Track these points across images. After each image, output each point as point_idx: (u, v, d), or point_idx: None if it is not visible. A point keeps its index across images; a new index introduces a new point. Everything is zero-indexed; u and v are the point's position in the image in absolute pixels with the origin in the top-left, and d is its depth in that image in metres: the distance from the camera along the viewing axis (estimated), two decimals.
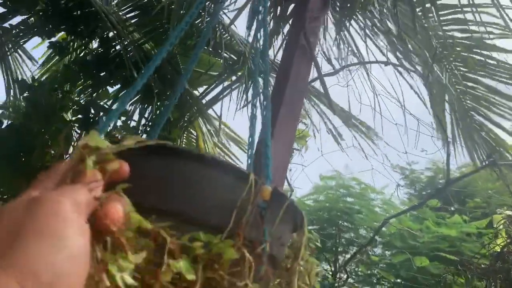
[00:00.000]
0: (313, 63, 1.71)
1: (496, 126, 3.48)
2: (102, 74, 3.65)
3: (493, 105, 3.49)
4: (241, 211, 0.52)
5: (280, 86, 1.65)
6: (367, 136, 3.94)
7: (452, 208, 10.89)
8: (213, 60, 3.78)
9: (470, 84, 3.52)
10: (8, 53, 3.79)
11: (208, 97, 3.91)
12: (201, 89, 4.17)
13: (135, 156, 0.49)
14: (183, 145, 3.95)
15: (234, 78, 3.99)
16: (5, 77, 3.96)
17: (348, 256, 10.17)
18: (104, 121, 0.63)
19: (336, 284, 7.30)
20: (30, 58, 4.12)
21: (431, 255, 8.58)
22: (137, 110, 3.87)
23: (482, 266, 4.57)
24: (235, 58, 3.83)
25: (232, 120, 3.92)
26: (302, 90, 1.68)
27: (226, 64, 3.68)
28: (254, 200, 0.53)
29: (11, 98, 3.97)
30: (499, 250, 2.48)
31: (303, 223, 0.62)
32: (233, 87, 3.61)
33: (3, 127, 3.25)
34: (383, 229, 9.90)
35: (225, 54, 3.56)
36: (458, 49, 3.46)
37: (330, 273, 10.24)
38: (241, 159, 4.10)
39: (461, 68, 3.50)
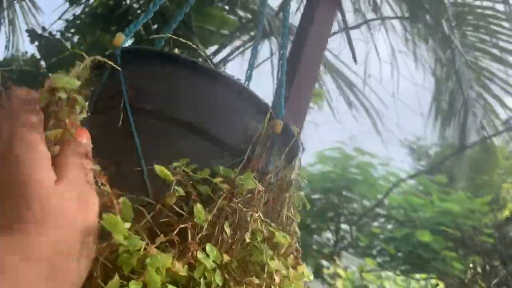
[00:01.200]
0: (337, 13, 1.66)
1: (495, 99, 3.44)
2: (113, 29, 3.59)
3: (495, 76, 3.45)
4: (257, 141, 0.51)
5: (299, 45, 1.59)
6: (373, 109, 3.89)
7: (459, 185, 10.90)
8: (226, 18, 3.69)
9: (477, 53, 3.45)
10: (16, 1, 3.72)
11: (219, 57, 3.85)
12: (212, 50, 4.10)
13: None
14: None
15: (247, 38, 3.90)
16: (9, 29, 3.92)
17: (349, 227, 10.29)
18: None
19: (337, 252, 7.40)
20: (37, 8, 4.06)
21: (434, 230, 8.67)
22: None
23: (482, 243, 4.60)
24: (250, 17, 3.73)
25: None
26: (322, 49, 1.63)
27: (241, 22, 3.59)
28: (269, 132, 0.54)
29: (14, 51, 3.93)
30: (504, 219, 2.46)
31: (298, 158, 0.62)
32: (246, 46, 3.54)
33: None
34: (385, 202, 9.97)
35: (241, 12, 3.46)
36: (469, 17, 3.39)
37: (333, 241, 10.39)
38: None
39: (470, 37, 3.42)
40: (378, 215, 10.26)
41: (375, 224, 10.38)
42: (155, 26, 3.75)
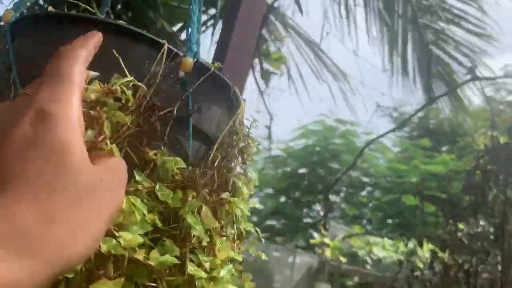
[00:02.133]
0: None
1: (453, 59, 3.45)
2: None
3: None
4: (159, 82, 0.49)
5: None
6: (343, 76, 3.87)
7: (443, 149, 11.03)
8: None
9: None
10: None
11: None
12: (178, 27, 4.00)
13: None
14: None
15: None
16: None
17: (338, 197, 10.40)
18: None
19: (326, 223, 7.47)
20: None
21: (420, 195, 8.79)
22: None
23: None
24: None
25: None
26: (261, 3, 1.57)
27: None
28: (170, 70, 0.51)
29: None
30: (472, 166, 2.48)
31: (238, 104, 0.57)
32: (208, 24, 3.45)
33: None
34: (372, 171, 10.06)
35: None
36: None
37: (322, 213, 10.50)
38: None
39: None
40: (365, 184, 10.37)
41: (363, 193, 10.50)
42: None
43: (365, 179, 10.21)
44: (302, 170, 10.30)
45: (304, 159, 10.06)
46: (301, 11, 2.33)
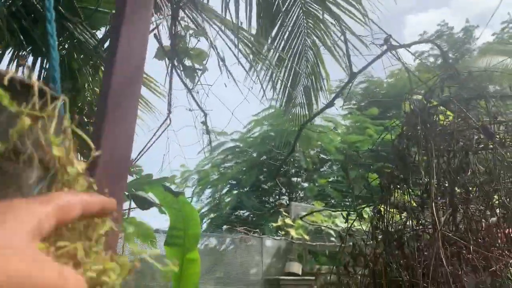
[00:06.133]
0: None
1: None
2: None
3: None
4: None
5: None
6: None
7: (390, 115, 11.41)
8: None
9: None
10: None
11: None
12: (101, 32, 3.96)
13: None
14: (94, 93, 3.83)
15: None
16: None
17: (299, 178, 10.61)
18: None
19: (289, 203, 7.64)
20: None
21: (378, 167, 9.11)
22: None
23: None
24: None
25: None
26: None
27: None
28: None
29: None
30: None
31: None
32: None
33: None
34: (331, 147, 10.28)
35: None
36: None
37: (286, 195, 10.69)
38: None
39: None
40: (323, 161, 10.62)
41: (323, 169, 10.73)
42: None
43: (323, 156, 10.45)
44: (262, 158, 10.43)
45: (261, 148, 10.18)
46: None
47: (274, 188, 10.97)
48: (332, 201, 9.89)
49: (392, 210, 2.62)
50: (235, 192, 10.85)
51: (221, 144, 10.28)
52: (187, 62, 3.10)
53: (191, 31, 3.01)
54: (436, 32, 17.46)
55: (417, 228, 2.38)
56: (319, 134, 9.54)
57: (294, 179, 10.62)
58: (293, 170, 10.70)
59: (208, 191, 10.90)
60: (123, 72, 1.28)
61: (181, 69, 3.07)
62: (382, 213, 2.64)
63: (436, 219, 1.89)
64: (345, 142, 9.90)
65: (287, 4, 4.06)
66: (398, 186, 2.70)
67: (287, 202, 7.24)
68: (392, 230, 2.56)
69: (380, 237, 2.56)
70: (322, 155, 10.36)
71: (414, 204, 2.54)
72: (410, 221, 2.44)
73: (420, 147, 2.46)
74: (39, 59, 3.68)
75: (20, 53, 3.55)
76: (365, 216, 3.76)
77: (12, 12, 3.28)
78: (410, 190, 2.57)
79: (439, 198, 2.12)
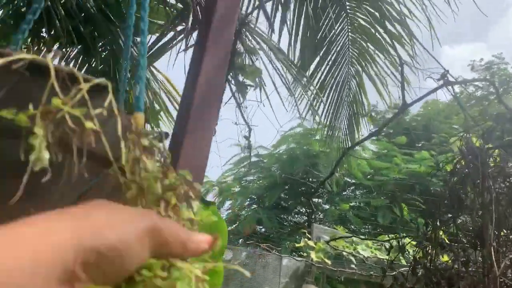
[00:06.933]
0: None
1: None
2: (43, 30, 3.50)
3: None
4: None
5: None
6: None
7: (419, 145, 11.23)
8: (155, 7, 3.66)
9: None
10: None
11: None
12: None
13: None
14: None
15: (179, 28, 3.87)
16: None
17: (320, 199, 10.50)
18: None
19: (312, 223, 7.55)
20: None
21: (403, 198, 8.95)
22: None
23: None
24: (182, 6, 3.71)
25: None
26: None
27: (171, 12, 3.56)
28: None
29: None
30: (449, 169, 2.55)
31: None
32: (178, 38, 3.50)
33: None
34: (357, 172, 10.17)
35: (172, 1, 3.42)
36: None
37: (306, 213, 10.59)
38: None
39: None
40: (347, 184, 10.49)
41: (345, 192, 10.60)
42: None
43: (347, 179, 10.33)
44: (284, 175, 10.38)
45: (287, 166, 10.14)
46: (271, 25, 2.41)
47: (294, 207, 10.86)
48: (352, 226, 9.74)
49: (437, 247, 2.54)
50: (254, 207, 10.78)
51: (246, 158, 10.27)
52: (240, 78, 3.11)
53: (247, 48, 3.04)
54: (486, 63, 17.05)
55: (466, 269, 2.29)
56: (347, 157, 9.44)
57: (315, 200, 10.50)
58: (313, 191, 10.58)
59: (228, 203, 10.89)
60: (206, 86, 1.31)
61: (233, 83, 3.09)
62: (428, 249, 2.56)
63: (494, 262, 1.82)
64: (371, 167, 9.78)
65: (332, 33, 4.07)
66: (445, 223, 2.62)
67: (309, 223, 7.14)
68: (433, 267, 2.48)
69: (420, 273, 2.48)
70: (346, 178, 10.24)
71: (464, 243, 2.44)
72: (458, 262, 2.35)
73: (476, 186, 2.38)
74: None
75: (71, 51, 3.64)
76: (394, 248, 3.67)
77: (66, 11, 3.37)
78: (458, 230, 2.48)
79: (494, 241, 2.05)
